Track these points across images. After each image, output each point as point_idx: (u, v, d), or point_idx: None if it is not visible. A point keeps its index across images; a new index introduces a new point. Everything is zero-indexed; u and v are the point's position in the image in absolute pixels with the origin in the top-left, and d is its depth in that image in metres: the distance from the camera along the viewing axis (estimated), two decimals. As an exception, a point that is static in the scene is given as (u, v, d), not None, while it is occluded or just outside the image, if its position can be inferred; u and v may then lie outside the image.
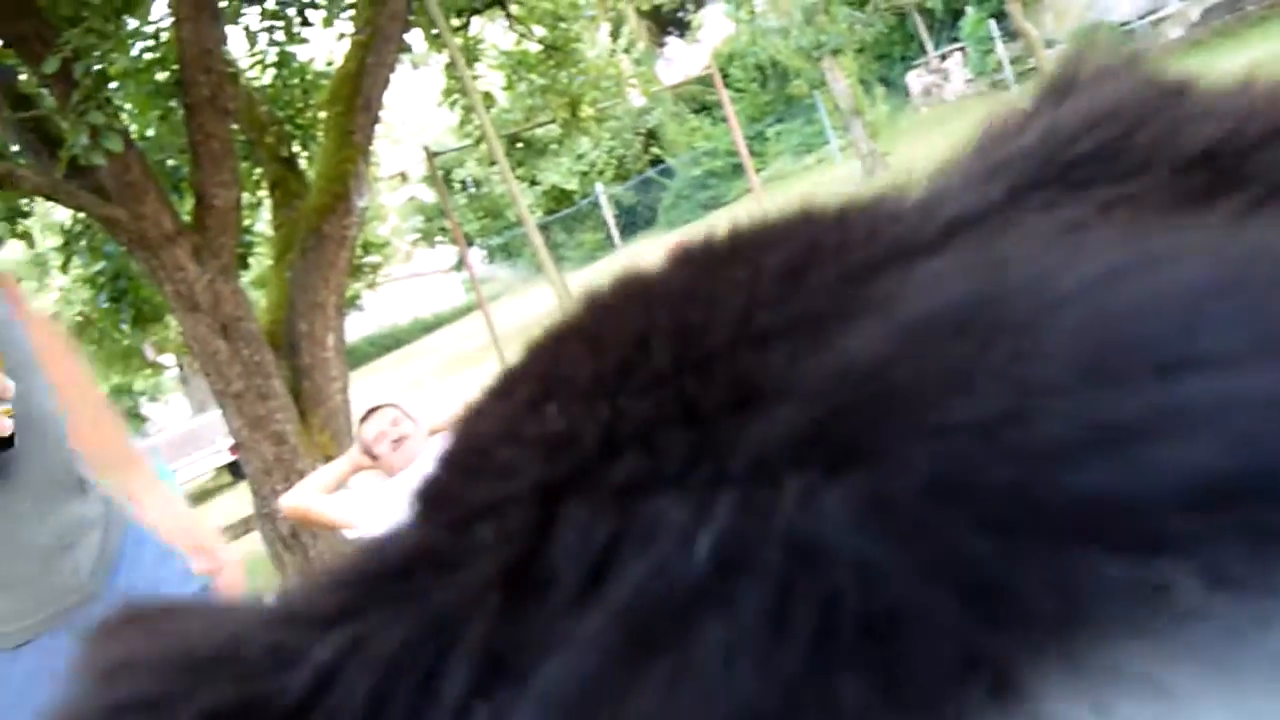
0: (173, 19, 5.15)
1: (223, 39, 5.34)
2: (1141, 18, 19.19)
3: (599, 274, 0.33)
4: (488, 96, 9.22)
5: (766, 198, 10.29)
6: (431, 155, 12.66)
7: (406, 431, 3.51)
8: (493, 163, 12.22)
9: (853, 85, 18.43)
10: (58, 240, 7.17)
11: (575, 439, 0.23)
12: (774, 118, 23.30)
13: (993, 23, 18.28)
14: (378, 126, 5.98)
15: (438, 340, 21.84)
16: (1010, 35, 18.85)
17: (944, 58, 22.68)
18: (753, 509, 0.19)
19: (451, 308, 25.24)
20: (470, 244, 22.51)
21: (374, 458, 3.54)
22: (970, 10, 21.51)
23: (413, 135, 24.51)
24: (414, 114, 24.56)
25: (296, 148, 6.35)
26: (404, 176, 25.97)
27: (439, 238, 25.79)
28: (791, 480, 0.19)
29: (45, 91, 5.13)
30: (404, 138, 24.76)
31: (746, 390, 0.21)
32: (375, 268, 15.11)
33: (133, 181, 4.99)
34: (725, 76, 21.61)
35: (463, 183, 25.82)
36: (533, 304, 15.64)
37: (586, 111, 10.03)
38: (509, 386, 0.28)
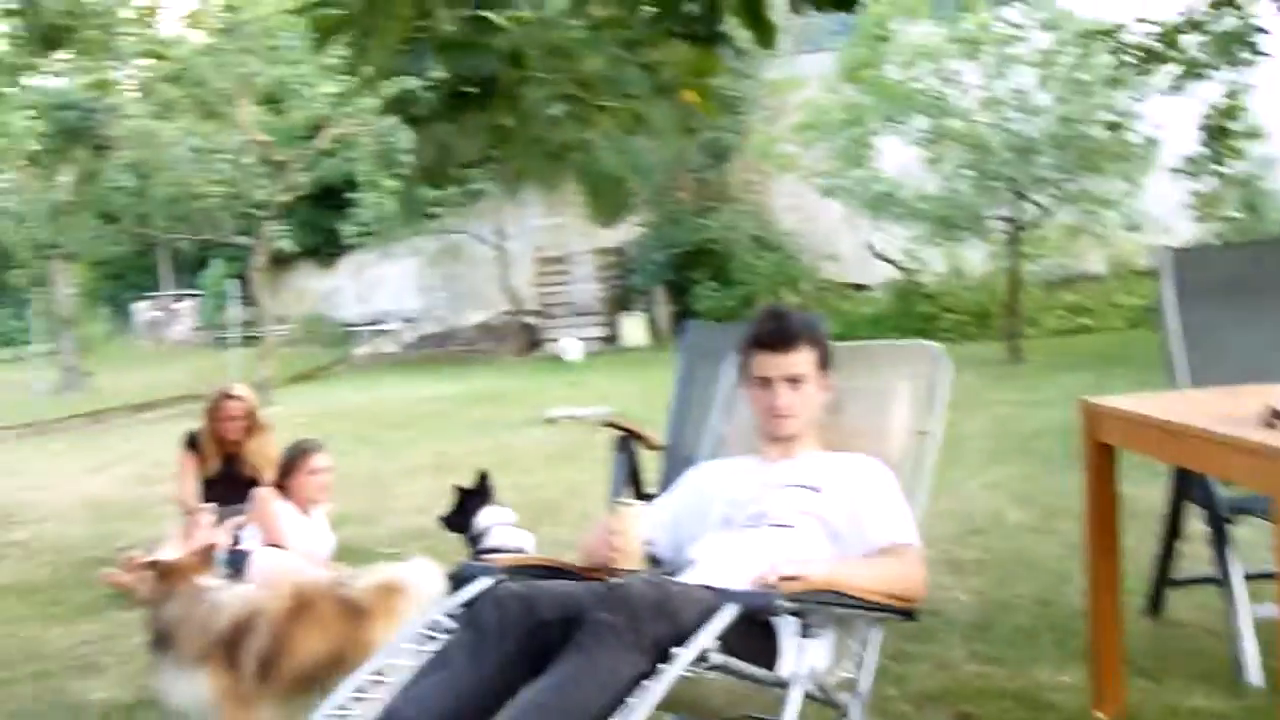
0: None
1: None
2: (368, 323, 22.04)
3: None
4: None
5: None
6: None
7: None
8: None
9: (79, 295, 18.77)
10: None
11: None
12: None
13: (235, 282, 19.95)
14: None
15: None
16: (247, 300, 20.52)
17: (178, 299, 24.07)
18: None
19: None
20: None
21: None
22: (217, 263, 23.23)
23: None
24: None
25: None
26: None
27: None
28: None
29: None
30: None
31: None
32: None
33: None
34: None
35: None
36: None
37: None
38: None
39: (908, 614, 2.65)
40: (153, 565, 3.88)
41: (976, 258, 15.21)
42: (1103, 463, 3.14)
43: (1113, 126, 11.61)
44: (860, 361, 3.29)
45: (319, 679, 3.18)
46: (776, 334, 2.95)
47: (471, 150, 2.04)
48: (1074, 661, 3.58)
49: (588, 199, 1.95)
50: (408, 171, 14.24)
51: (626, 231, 18.66)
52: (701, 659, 2.08)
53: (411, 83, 2.67)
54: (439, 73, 2.12)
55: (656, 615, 2.15)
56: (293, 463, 5.09)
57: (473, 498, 5.04)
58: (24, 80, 12.66)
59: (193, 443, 6.01)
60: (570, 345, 17.23)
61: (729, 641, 2.17)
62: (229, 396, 5.95)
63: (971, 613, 4.25)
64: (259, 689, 3.20)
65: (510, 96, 2.03)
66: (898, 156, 13.82)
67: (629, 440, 4.61)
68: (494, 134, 2.11)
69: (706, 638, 2.08)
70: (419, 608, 3.25)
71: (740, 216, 17.54)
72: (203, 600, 3.51)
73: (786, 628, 2.38)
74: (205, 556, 3.84)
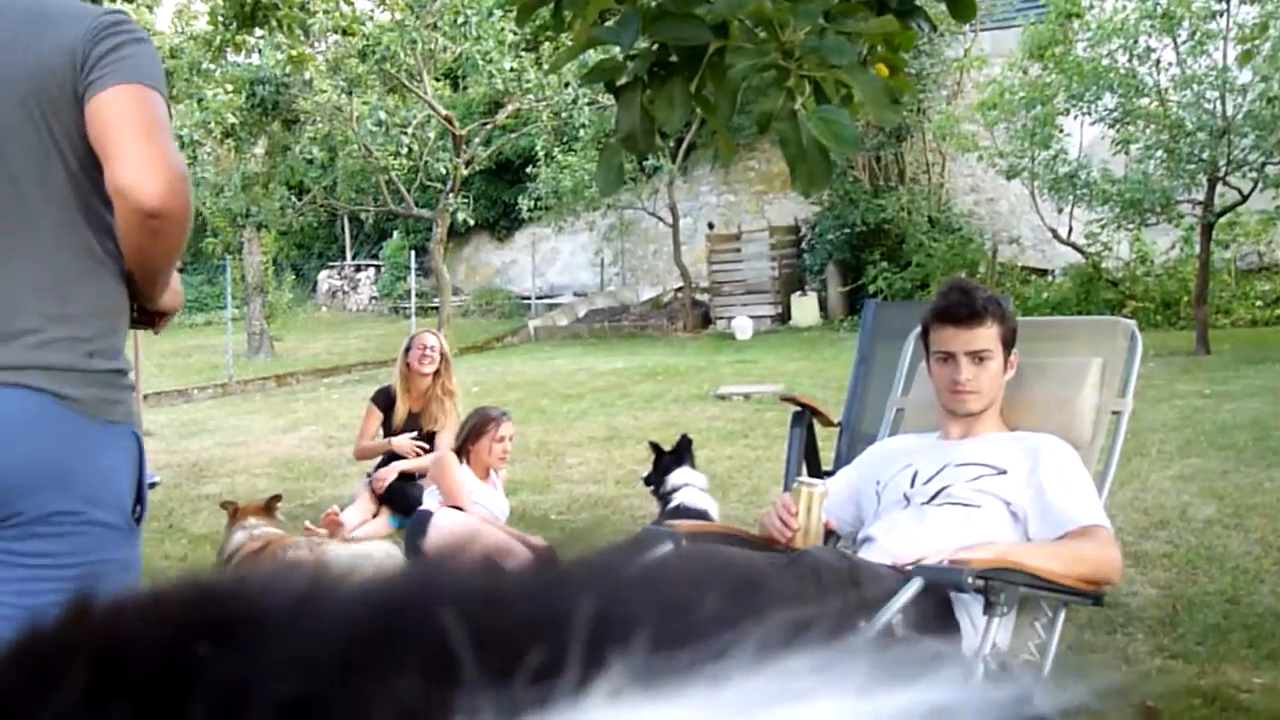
0: None
1: None
2: (540, 297, 22.43)
3: None
4: None
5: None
6: None
7: None
8: None
9: (266, 263, 19.53)
10: None
11: None
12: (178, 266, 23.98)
13: (413, 253, 20.51)
14: None
15: None
16: (425, 272, 21.00)
17: (359, 269, 24.90)
18: None
19: None
20: None
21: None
22: (396, 235, 23.94)
23: None
24: None
25: None
26: None
27: None
28: None
29: None
30: None
31: None
32: None
33: None
34: (143, 210, 22.15)
35: None
36: None
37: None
38: None
39: (1097, 599, 2.59)
40: (224, 505, 4.89)
41: (1165, 243, 14.64)
42: (1307, 455, 3.01)
43: (1321, 106, 11.02)
44: (1049, 337, 3.21)
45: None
46: (962, 307, 2.90)
47: (676, 119, 2.08)
48: (1269, 663, 3.45)
49: (792, 169, 1.95)
50: (600, 144, 14.35)
51: (800, 210, 18.51)
52: (887, 632, 2.09)
53: (609, 52, 2.71)
54: (641, 42, 2.15)
55: (842, 586, 2.16)
56: (480, 428, 5.25)
57: (670, 458, 5.19)
58: (225, 57, 13.22)
59: (377, 399, 6.34)
60: (742, 324, 17.22)
61: (909, 617, 2.16)
62: (427, 333, 6.36)
63: (1157, 608, 4.12)
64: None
65: (715, 65, 2.06)
66: (1084, 136, 13.38)
67: (805, 415, 4.60)
68: (698, 102, 2.15)
69: (893, 610, 2.09)
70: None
71: (917, 197, 17.24)
72: (230, 537, 4.50)
73: (971, 606, 2.36)
74: (269, 505, 4.82)
